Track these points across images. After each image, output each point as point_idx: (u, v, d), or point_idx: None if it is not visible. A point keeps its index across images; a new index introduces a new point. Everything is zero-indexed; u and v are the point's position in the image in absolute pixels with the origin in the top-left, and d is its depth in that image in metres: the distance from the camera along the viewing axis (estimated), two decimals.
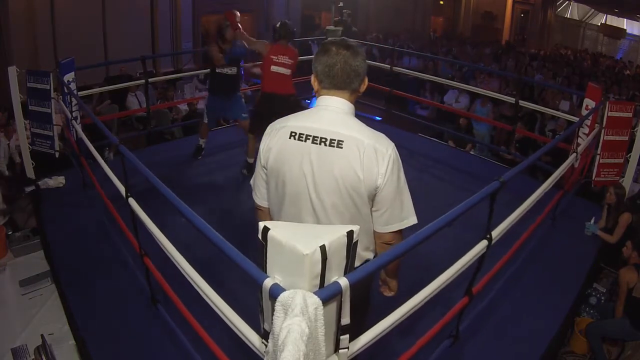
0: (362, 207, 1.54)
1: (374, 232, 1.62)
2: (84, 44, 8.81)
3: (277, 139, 1.57)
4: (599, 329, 3.22)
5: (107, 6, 9.58)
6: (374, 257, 1.69)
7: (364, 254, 1.65)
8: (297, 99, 4.38)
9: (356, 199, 1.52)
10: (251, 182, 1.75)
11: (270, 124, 1.64)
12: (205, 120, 4.75)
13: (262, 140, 1.63)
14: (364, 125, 1.55)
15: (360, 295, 1.62)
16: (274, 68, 4.14)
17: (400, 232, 1.62)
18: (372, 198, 1.53)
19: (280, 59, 4.14)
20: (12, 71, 3.92)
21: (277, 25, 4.22)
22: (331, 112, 1.54)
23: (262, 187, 1.70)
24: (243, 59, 4.71)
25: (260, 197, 1.73)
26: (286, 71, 4.18)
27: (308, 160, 1.51)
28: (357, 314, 1.30)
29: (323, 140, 1.49)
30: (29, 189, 3.99)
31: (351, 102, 1.57)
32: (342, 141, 1.48)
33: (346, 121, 1.53)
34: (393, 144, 1.54)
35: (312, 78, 1.59)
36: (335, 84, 1.54)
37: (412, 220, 1.60)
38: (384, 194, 1.51)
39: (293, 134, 1.53)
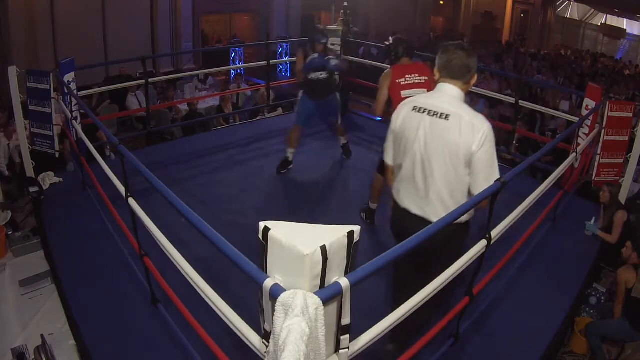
0: (459, 166, 2.03)
1: (469, 192, 2.07)
2: (84, 44, 8.81)
3: (404, 111, 2.16)
4: (599, 329, 3.22)
5: (107, 6, 9.59)
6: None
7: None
8: None
9: (454, 159, 2.02)
10: (385, 145, 2.33)
11: (402, 102, 2.21)
12: (297, 124, 4.30)
13: (395, 112, 2.22)
14: (468, 106, 2.06)
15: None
16: (405, 93, 3.18)
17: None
18: (469, 162, 2.00)
19: (409, 79, 3.25)
20: (12, 71, 3.91)
21: (390, 43, 3.39)
22: (445, 95, 2.08)
23: (390, 148, 2.27)
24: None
25: (388, 157, 2.30)
26: (421, 92, 3.15)
27: (423, 127, 2.06)
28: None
29: (435, 113, 2.05)
30: (33, 189, 3.97)
31: (462, 90, 2.08)
32: (449, 115, 2.02)
33: (454, 102, 2.05)
34: (489, 124, 2.03)
35: (435, 70, 2.12)
36: (451, 75, 2.07)
37: (497, 175, 2.05)
38: (477, 157, 1.99)
39: (415, 107, 2.12)
